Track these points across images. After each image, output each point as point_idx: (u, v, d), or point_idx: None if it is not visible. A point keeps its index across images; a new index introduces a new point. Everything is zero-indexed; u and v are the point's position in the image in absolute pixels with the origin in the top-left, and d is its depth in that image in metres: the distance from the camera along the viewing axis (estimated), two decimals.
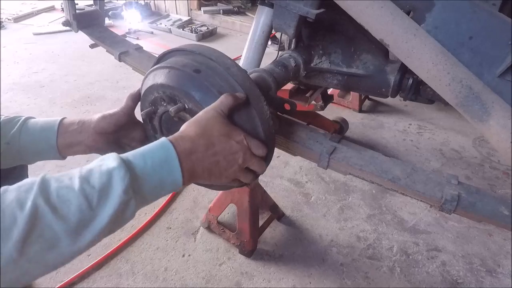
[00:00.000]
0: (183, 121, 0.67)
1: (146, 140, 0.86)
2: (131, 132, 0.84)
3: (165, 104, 0.75)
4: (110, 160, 0.52)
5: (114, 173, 0.50)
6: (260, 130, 0.72)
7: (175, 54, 0.79)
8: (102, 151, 0.78)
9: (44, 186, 0.47)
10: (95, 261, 1.39)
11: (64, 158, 0.77)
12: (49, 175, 0.49)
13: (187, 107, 0.72)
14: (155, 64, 0.81)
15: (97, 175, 0.49)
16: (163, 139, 0.59)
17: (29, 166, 0.86)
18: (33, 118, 0.77)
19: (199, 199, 1.73)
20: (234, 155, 0.65)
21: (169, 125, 0.80)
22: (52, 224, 0.45)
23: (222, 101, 0.66)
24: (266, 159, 0.79)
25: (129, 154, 0.55)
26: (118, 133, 0.80)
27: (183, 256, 1.45)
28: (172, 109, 0.71)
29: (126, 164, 0.52)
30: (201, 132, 0.61)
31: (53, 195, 0.46)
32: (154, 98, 0.75)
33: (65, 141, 0.75)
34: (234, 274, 1.39)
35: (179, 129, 0.63)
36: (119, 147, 0.83)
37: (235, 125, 0.68)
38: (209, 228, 1.55)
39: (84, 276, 1.35)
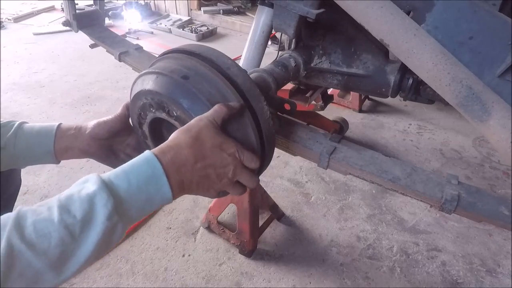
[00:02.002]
0: (172, 128, 0.64)
1: (138, 147, 0.85)
2: (126, 139, 0.84)
3: (153, 111, 0.72)
4: (90, 183, 0.49)
5: (95, 199, 0.48)
6: (253, 140, 0.70)
7: (170, 56, 0.77)
8: (96, 156, 0.79)
9: (19, 221, 0.44)
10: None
11: (58, 162, 0.78)
12: (25, 208, 0.46)
13: (175, 114, 0.69)
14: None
15: (78, 203, 0.47)
16: (147, 153, 0.55)
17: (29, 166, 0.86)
18: (27, 123, 0.76)
19: (199, 199, 1.73)
20: (224, 168, 0.61)
21: (159, 132, 0.79)
22: (32, 262, 0.43)
23: (216, 110, 0.63)
24: (265, 161, 0.79)
25: (111, 174, 0.52)
26: (113, 139, 0.80)
27: (183, 256, 1.45)
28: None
29: (109, 187, 0.49)
30: (192, 142, 0.58)
31: (29, 230, 0.44)
32: (142, 104, 0.73)
33: (61, 145, 0.75)
34: (234, 274, 1.39)
35: (168, 136, 0.60)
36: (113, 153, 0.82)
37: (228, 135, 0.65)
38: (209, 228, 1.55)
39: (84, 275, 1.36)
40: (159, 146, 0.57)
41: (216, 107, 0.63)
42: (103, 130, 0.77)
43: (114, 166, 0.73)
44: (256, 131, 0.70)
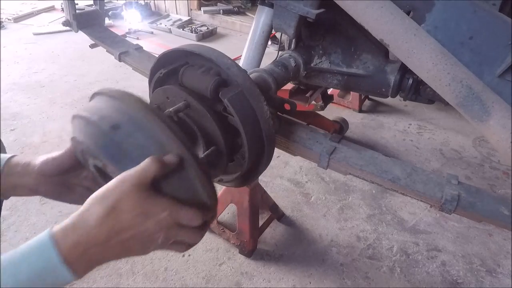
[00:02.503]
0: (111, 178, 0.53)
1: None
2: (82, 172, 0.73)
3: (92, 159, 0.60)
4: None
5: None
6: (200, 194, 0.57)
7: (108, 93, 0.62)
8: (47, 194, 0.70)
9: None
10: None
11: (7, 198, 0.70)
12: None
13: (107, 171, 0.57)
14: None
15: None
16: (44, 236, 0.47)
17: None
18: None
19: None
20: (151, 236, 0.52)
21: (103, 174, 0.64)
22: None
23: (145, 168, 0.51)
24: (264, 162, 0.78)
25: (2, 262, 0.45)
26: (66, 175, 0.70)
27: (183, 256, 1.45)
28: (173, 109, 0.70)
29: None
30: (105, 215, 0.49)
31: None
32: (81, 149, 0.63)
33: (8, 183, 0.66)
34: (234, 274, 1.39)
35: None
36: (68, 188, 0.72)
37: (164, 193, 0.54)
38: (209, 228, 1.55)
39: None
40: (63, 223, 0.49)
41: (146, 162, 0.52)
42: (52, 167, 0.67)
43: (71, 202, 0.70)
44: (206, 182, 0.58)
